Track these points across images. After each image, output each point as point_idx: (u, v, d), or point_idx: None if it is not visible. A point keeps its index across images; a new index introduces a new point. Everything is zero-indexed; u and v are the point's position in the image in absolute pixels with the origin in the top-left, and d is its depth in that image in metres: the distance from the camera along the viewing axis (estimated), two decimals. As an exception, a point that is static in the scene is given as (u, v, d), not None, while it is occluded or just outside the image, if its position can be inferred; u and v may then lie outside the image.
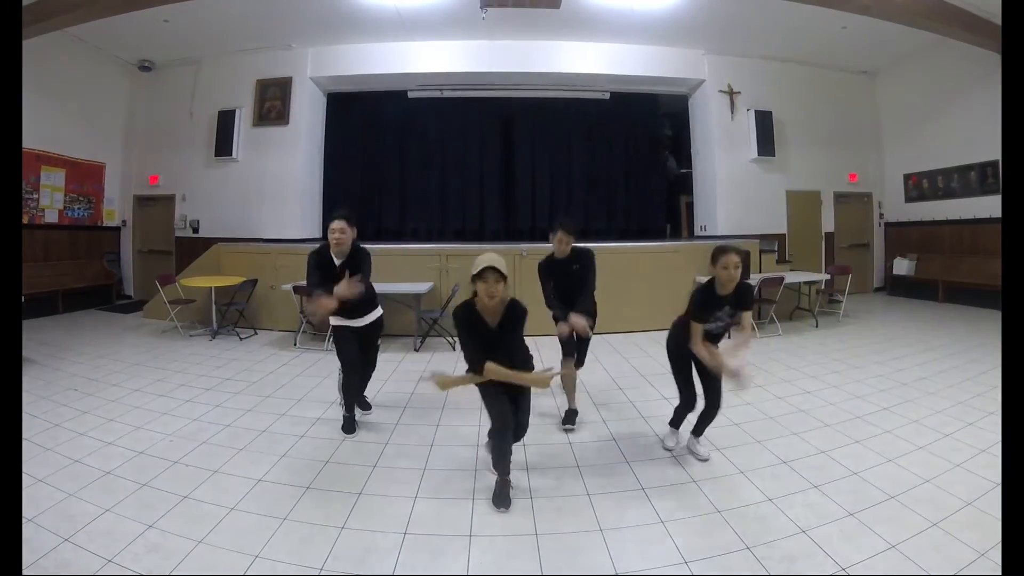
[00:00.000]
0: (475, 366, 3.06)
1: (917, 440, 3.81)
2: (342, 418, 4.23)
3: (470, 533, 2.76)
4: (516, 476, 3.31)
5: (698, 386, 3.57)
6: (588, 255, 4.29)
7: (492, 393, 3.16)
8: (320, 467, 3.56)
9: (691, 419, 3.68)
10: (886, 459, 3.54)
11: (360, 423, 4.26)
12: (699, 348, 3.35)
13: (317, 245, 4.19)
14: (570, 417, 4.22)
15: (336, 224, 3.99)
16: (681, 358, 3.57)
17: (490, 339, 3.10)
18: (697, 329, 3.36)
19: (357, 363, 4.20)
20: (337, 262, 4.05)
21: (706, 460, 3.58)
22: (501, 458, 3.14)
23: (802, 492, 3.17)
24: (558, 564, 2.51)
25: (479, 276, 2.97)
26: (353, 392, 4.25)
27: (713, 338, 3.50)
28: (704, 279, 7.90)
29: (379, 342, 4.54)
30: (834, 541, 2.63)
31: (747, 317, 3.49)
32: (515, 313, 3.16)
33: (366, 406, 4.54)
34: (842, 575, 2.39)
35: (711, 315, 3.39)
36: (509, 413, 3.13)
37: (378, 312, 4.34)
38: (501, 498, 3.06)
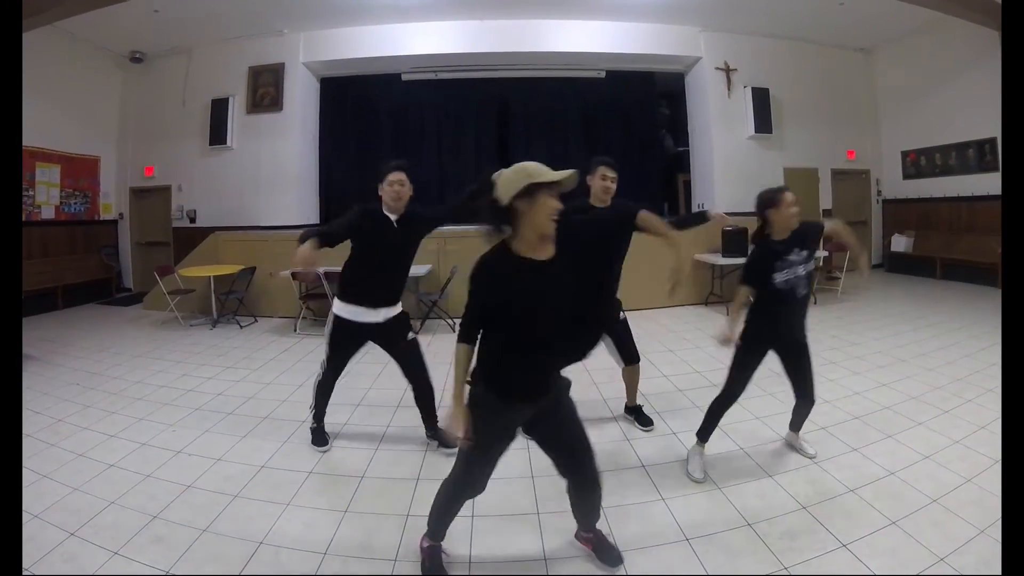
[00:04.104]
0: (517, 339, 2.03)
1: (916, 416, 3.83)
2: (309, 431, 3.75)
3: (472, 514, 2.78)
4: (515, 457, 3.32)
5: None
6: (632, 205, 3.57)
7: (495, 421, 2.11)
8: (322, 452, 3.58)
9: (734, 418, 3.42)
10: (885, 435, 3.56)
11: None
12: (735, 313, 3.13)
13: (370, 205, 3.42)
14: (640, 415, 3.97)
15: (397, 175, 3.32)
16: (757, 345, 3.12)
17: (542, 291, 2.01)
18: (743, 295, 3.13)
19: (343, 366, 3.59)
20: (393, 217, 3.36)
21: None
22: (445, 518, 2.38)
23: (803, 468, 3.19)
24: (559, 541, 2.53)
25: (550, 185, 1.94)
26: (326, 395, 3.67)
27: (799, 302, 3.08)
28: (706, 257, 7.94)
29: (412, 336, 3.55)
30: (835, 517, 2.65)
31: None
32: (567, 244, 2.12)
33: (453, 443, 3.68)
34: (846, 575, 2.41)
35: (772, 270, 3.00)
36: (489, 473, 2.24)
37: (400, 307, 3.55)
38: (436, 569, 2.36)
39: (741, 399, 4.05)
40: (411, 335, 3.54)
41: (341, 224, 3.27)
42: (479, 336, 2.07)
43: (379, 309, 3.39)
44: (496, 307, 1.99)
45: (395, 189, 3.31)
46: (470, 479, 2.24)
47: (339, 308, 3.41)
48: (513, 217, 1.96)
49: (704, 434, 3.26)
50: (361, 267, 3.39)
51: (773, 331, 3.11)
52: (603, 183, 3.59)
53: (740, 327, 3.14)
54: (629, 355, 3.83)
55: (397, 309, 3.49)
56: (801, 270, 3.01)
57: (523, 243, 2.00)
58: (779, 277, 2.99)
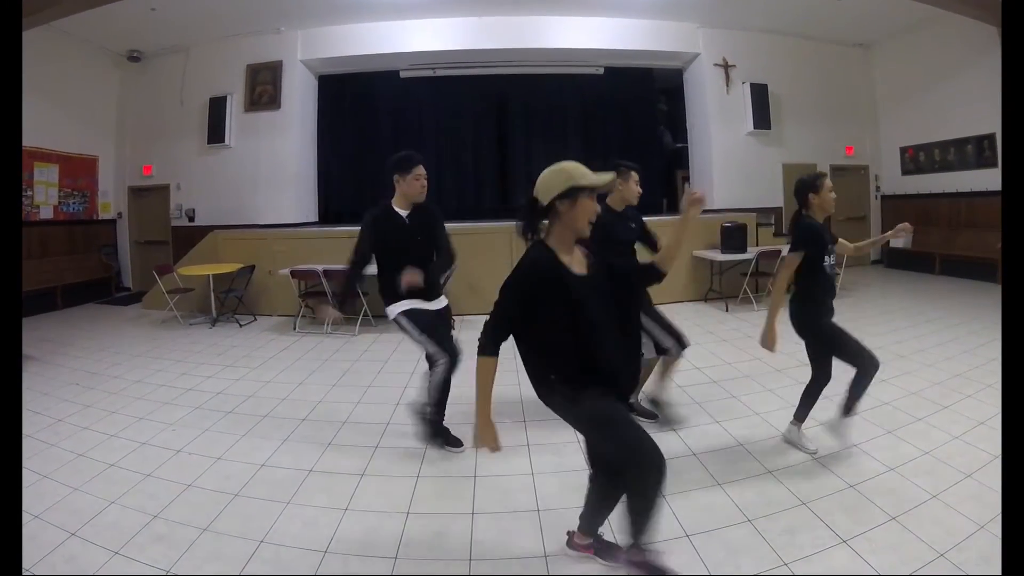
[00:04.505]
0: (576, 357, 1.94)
1: (915, 412, 3.84)
2: (424, 431, 3.50)
3: (472, 511, 2.79)
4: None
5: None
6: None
7: (608, 407, 1.97)
8: (322, 450, 3.57)
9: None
10: (885, 431, 3.56)
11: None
12: (782, 284, 3.13)
13: (376, 209, 3.43)
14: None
15: (423, 170, 3.35)
16: (828, 331, 3.18)
17: (586, 301, 1.95)
18: (794, 263, 3.06)
19: (451, 344, 3.37)
20: (403, 213, 3.37)
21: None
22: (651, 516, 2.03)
23: (802, 464, 3.19)
24: (560, 539, 2.52)
25: (591, 189, 1.97)
26: (447, 390, 3.45)
27: (834, 290, 3.22)
28: (704, 253, 7.93)
29: (453, 333, 3.59)
30: (834, 513, 2.65)
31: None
32: (591, 251, 2.14)
33: (455, 441, 3.51)
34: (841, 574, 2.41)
35: (826, 249, 3.08)
36: (651, 439, 1.96)
37: (444, 300, 3.55)
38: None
39: (742, 396, 4.08)
40: (453, 333, 3.56)
41: (363, 244, 3.36)
42: (524, 350, 2.02)
43: (434, 300, 3.40)
44: (547, 308, 1.92)
45: (422, 183, 3.36)
46: (638, 448, 1.94)
47: (399, 306, 3.32)
48: (551, 217, 1.98)
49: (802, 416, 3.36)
50: (390, 268, 3.35)
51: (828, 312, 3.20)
52: (638, 188, 3.71)
53: (779, 321, 3.14)
54: (661, 346, 3.78)
55: (442, 302, 3.50)
56: (834, 258, 3.16)
57: (557, 243, 2.01)
58: (828, 260, 3.09)
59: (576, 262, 2.03)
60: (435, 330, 3.35)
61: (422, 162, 3.37)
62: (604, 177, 1.99)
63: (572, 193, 1.93)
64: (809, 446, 3.33)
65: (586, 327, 1.94)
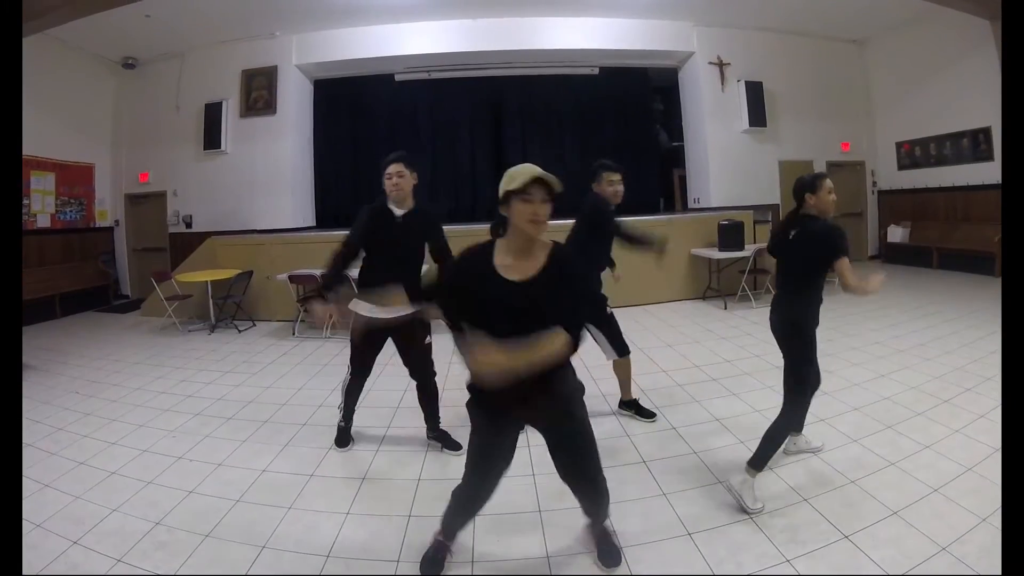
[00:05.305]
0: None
1: (916, 406, 3.84)
2: (336, 428, 3.71)
3: (475, 515, 2.79)
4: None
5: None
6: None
7: (484, 429, 2.13)
8: (323, 454, 3.58)
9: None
10: (885, 425, 3.57)
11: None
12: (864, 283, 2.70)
13: (373, 204, 3.42)
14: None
15: (394, 167, 3.26)
16: (811, 341, 2.86)
17: (503, 302, 1.87)
18: (848, 266, 2.72)
19: (369, 366, 3.53)
20: (398, 213, 3.33)
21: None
22: (453, 522, 2.41)
23: (803, 460, 3.19)
24: (562, 540, 2.52)
25: (519, 192, 1.84)
26: (354, 396, 3.63)
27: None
28: (702, 252, 7.92)
29: (429, 340, 3.53)
30: (836, 508, 2.66)
31: None
32: (564, 265, 1.94)
33: (454, 445, 3.52)
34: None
35: None
36: (502, 458, 2.18)
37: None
38: (433, 562, 2.39)
39: (742, 393, 4.07)
40: (428, 338, 3.50)
41: (352, 234, 3.35)
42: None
43: (393, 306, 3.28)
44: (462, 305, 1.96)
45: (393, 182, 3.28)
46: (471, 487, 2.24)
47: (355, 305, 3.36)
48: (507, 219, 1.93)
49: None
50: (370, 263, 3.40)
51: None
52: (612, 188, 3.66)
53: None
54: (620, 347, 3.82)
55: (404, 310, 3.31)
56: None
57: (506, 243, 1.95)
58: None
59: (516, 267, 1.91)
60: (361, 343, 3.41)
61: (400, 160, 3.30)
62: (524, 177, 1.85)
63: (507, 197, 1.89)
64: (814, 443, 3.32)
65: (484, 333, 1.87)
